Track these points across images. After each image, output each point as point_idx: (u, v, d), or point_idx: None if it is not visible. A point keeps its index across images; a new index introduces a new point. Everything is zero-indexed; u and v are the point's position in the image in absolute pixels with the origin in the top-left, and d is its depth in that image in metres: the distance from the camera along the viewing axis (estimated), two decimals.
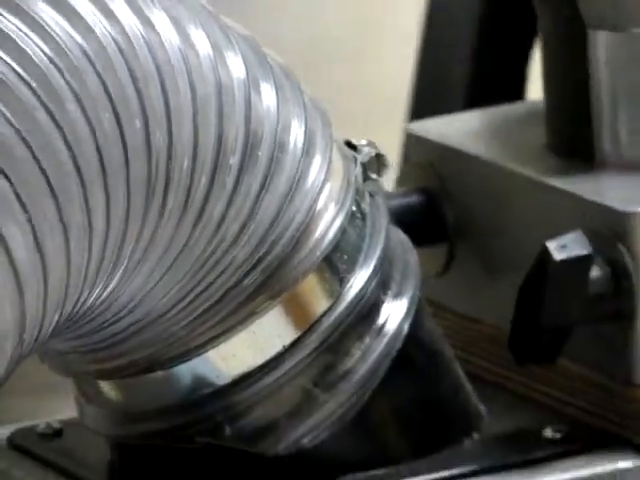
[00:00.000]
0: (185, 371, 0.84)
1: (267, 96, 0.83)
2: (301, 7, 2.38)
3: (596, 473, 0.84)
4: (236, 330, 0.82)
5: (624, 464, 0.84)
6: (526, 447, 0.85)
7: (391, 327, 0.83)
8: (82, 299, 0.80)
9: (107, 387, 0.86)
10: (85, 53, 0.77)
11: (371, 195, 0.85)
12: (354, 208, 0.83)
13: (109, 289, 0.81)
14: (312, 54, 2.22)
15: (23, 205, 0.75)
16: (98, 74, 0.77)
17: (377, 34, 2.29)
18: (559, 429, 0.84)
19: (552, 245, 0.83)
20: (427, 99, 1.29)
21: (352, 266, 0.83)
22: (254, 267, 0.80)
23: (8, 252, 0.75)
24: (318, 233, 0.81)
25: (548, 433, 0.84)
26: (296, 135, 0.83)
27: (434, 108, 1.27)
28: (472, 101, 1.25)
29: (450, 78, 1.32)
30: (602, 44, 0.92)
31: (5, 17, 0.76)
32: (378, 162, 0.87)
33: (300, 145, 0.83)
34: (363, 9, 2.46)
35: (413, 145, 1.00)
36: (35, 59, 0.75)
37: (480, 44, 1.35)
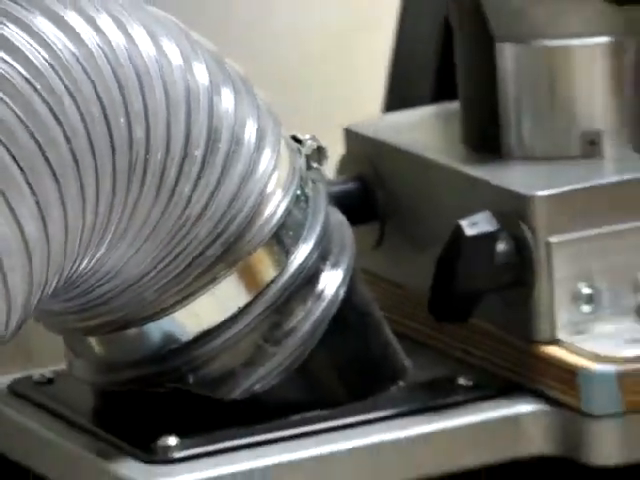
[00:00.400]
0: (155, 329, 0.89)
1: (226, 99, 0.89)
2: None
3: (501, 415, 0.88)
4: (199, 294, 0.87)
5: (525, 408, 0.89)
6: (443, 393, 0.89)
7: (329, 292, 0.89)
8: (75, 266, 0.86)
9: (91, 342, 0.92)
10: (77, 59, 0.83)
11: (313, 181, 0.90)
12: (298, 192, 0.89)
13: (96, 258, 0.86)
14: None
15: (30, 185, 0.81)
16: (89, 77, 0.83)
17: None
18: (470, 378, 0.89)
19: (464, 223, 0.87)
20: (399, 98, 1.36)
21: (296, 241, 0.88)
22: (214, 241, 0.86)
23: (20, 227, 0.81)
24: (267, 213, 0.87)
25: (461, 381, 0.88)
26: (250, 132, 0.89)
27: (405, 105, 1.35)
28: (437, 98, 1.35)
29: (418, 78, 1.38)
30: (507, 55, 0.96)
31: (9, 27, 0.82)
32: (319, 154, 0.92)
33: (253, 140, 0.89)
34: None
35: (352, 139, 1.04)
36: (35, 62, 0.81)
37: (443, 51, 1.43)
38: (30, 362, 1.12)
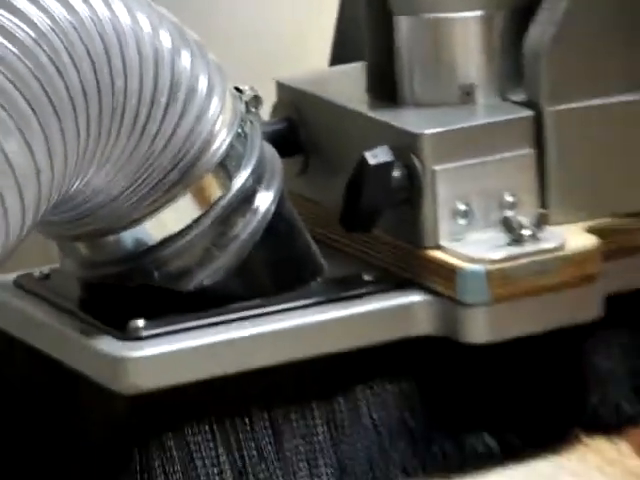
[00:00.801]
0: (129, 235, 0.99)
1: (184, 59, 0.99)
2: None
3: (397, 303, 0.97)
4: (162, 208, 0.98)
5: (415, 298, 0.98)
6: (351, 286, 0.99)
7: (263, 208, 0.99)
8: (70, 186, 0.96)
9: (79, 246, 1.03)
10: (73, 26, 0.94)
11: (251, 122, 1.00)
12: (239, 130, 0.99)
13: (85, 180, 0.96)
14: None
15: (40, 124, 0.92)
16: (81, 40, 0.94)
17: None
18: (373, 275, 0.99)
19: (368, 155, 0.97)
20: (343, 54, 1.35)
21: (237, 168, 0.98)
22: (174, 168, 0.96)
23: (33, 157, 0.93)
24: (215, 147, 0.97)
25: (366, 277, 0.98)
26: (202, 84, 0.99)
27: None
28: None
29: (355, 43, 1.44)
30: (403, 25, 1.06)
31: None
32: (256, 101, 1.03)
33: (205, 91, 0.99)
34: None
35: (282, 90, 1.13)
36: (40, 27, 0.92)
37: None
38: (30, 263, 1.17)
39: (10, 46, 0.91)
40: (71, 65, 0.93)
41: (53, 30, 0.94)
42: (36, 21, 0.93)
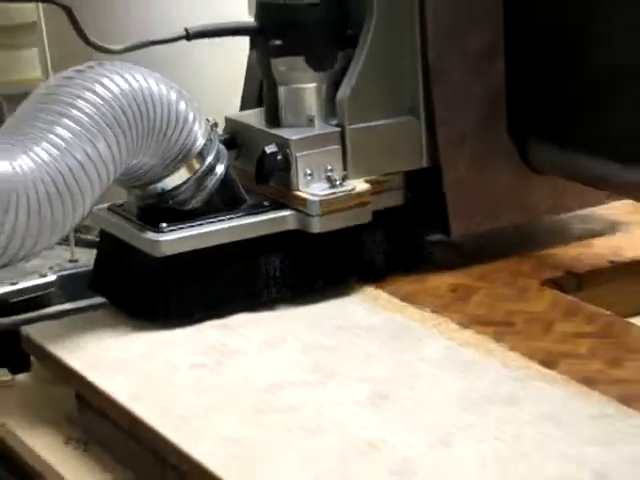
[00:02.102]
0: (159, 185, 1.29)
1: (182, 103, 1.24)
2: None
3: (281, 214, 1.29)
4: (173, 173, 1.27)
5: (289, 212, 1.29)
6: (259, 207, 1.30)
7: (219, 172, 1.30)
8: (127, 164, 1.21)
9: (135, 190, 1.31)
10: (122, 90, 1.21)
11: (213, 134, 1.31)
12: (208, 137, 1.29)
13: (134, 162, 1.22)
14: None
15: (115, 136, 1.18)
16: (126, 97, 1.20)
17: None
18: (269, 202, 1.30)
19: (266, 148, 1.31)
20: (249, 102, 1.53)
21: (207, 154, 1.28)
22: (178, 155, 1.25)
23: (112, 153, 1.18)
24: (197, 144, 1.27)
25: (265, 203, 1.30)
26: (190, 116, 1.26)
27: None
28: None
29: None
30: (281, 90, 1.35)
31: (104, 78, 1.21)
32: (215, 125, 1.33)
33: (191, 118, 1.26)
34: None
35: (227, 120, 1.41)
36: (111, 87, 1.20)
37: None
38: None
39: (98, 99, 1.20)
40: (126, 107, 1.21)
41: (112, 93, 1.21)
42: (109, 86, 1.21)
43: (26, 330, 1.31)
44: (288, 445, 1.02)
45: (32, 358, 1.34)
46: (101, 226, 1.35)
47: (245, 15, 1.79)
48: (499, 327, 1.23)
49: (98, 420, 1.20)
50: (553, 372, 1.13)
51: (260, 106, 1.42)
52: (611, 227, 1.46)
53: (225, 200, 1.31)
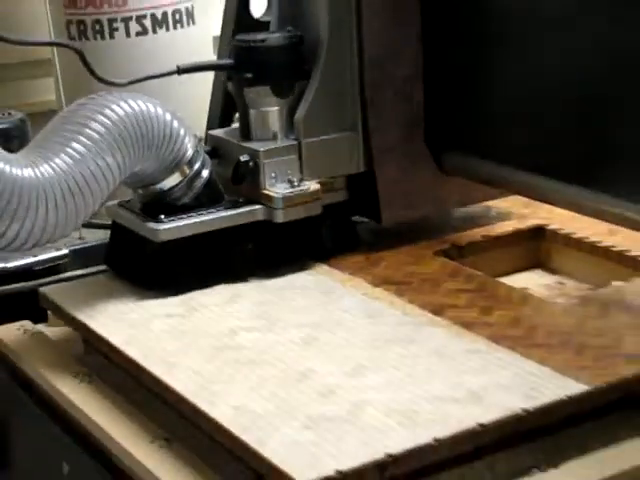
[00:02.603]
0: (158, 186, 1.32)
1: (175, 122, 1.29)
2: None
3: (253, 208, 1.33)
4: (168, 176, 1.30)
5: (258, 207, 1.33)
6: (233, 203, 1.33)
7: (205, 176, 1.34)
8: (131, 170, 1.24)
9: (139, 190, 1.33)
10: (127, 113, 1.24)
11: (199, 146, 1.35)
12: (195, 149, 1.33)
13: (136, 168, 1.24)
14: None
15: (121, 151, 1.21)
16: (129, 118, 1.23)
17: None
18: (243, 199, 1.34)
19: (240, 157, 1.35)
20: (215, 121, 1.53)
21: (195, 162, 1.32)
22: (172, 162, 1.28)
23: (117, 161, 1.20)
24: (188, 154, 1.31)
25: (240, 200, 1.33)
26: (182, 132, 1.30)
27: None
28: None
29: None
30: (251, 112, 1.37)
31: (108, 105, 1.23)
32: (201, 139, 1.39)
33: (182, 134, 1.29)
34: None
35: (210, 136, 1.45)
36: (117, 110, 1.23)
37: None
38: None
39: (107, 121, 1.23)
40: (129, 127, 1.24)
41: (123, 114, 1.24)
42: (117, 110, 1.24)
43: (43, 290, 1.37)
44: (240, 375, 1.11)
45: (48, 312, 1.40)
46: (113, 218, 1.41)
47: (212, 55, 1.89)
48: (400, 285, 1.31)
49: (100, 359, 1.27)
50: (440, 318, 1.21)
51: (222, 123, 1.48)
52: (501, 215, 1.51)
53: (209, 197, 1.36)
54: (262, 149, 1.35)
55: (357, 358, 1.13)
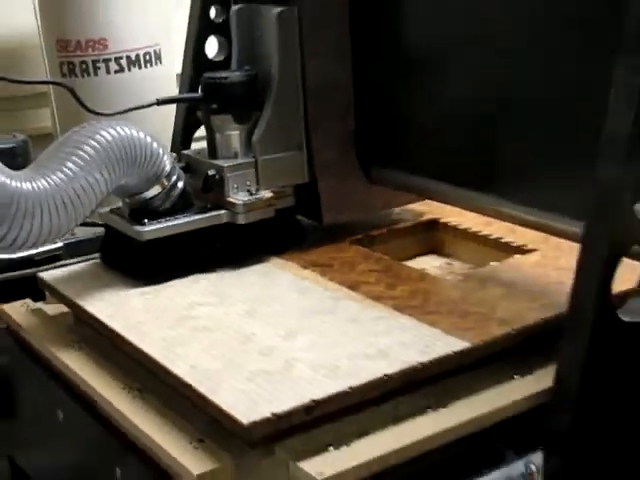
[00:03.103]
0: (142, 196, 1.36)
1: (155, 143, 1.32)
2: None
3: (219, 213, 1.37)
4: (150, 188, 1.35)
5: (223, 211, 1.37)
6: (201, 208, 1.38)
7: (180, 186, 1.39)
8: (117, 184, 1.27)
9: (125, 198, 1.37)
10: (113, 138, 1.26)
11: (175, 163, 1.40)
12: (172, 165, 1.37)
13: (121, 182, 1.27)
14: None
15: (107, 169, 1.22)
16: (115, 143, 1.26)
17: None
18: (211, 205, 1.38)
19: (208, 171, 1.41)
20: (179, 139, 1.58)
21: (172, 175, 1.37)
22: (152, 177, 1.32)
23: (105, 178, 1.23)
24: (166, 169, 1.36)
25: (209, 206, 1.37)
26: (161, 151, 1.33)
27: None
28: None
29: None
30: (217, 137, 1.42)
31: (100, 132, 1.24)
32: (175, 157, 1.40)
33: (162, 152, 1.33)
34: None
35: (183, 155, 1.49)
36: (106, 135, 1.25)
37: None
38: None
39: (97, 144, 1.24)
40: (115, 149, 1.26)
41: (107, 140, 1.26)
42: (105, 135, 1.26)
43: (41, 275, 1.43)
44: (196, 340, 1.18)
45: (46, 293, 1.46)
46: (106, 222, 1.47)
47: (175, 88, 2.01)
48: (324, 267, 1.39)
49: (87, 330, 1.32)
50: (355, 293, 1.28)
51: (183, 142, 1.57)
52: (415, 215, 1.59)
53: (183, 204, 1.43)
54: (226, 165, 1.43)
55: (290, 325, 1.20)
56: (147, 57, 2.25)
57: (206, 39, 1.55)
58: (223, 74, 1.43)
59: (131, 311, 1.27)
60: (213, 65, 1.54)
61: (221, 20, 1.55)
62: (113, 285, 1.36)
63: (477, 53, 1.23)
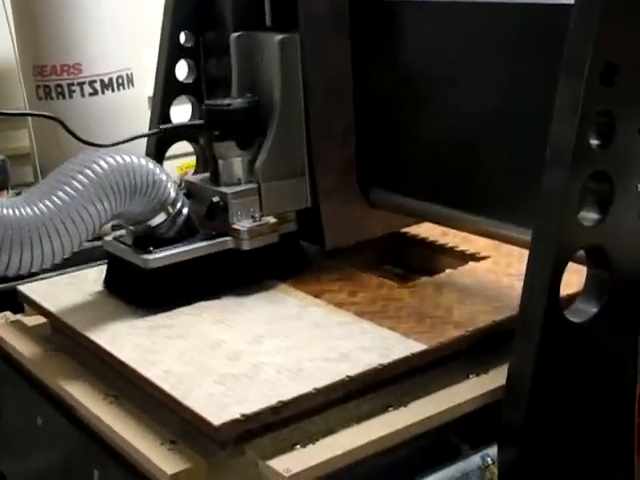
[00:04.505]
0: (146, 224, 1.36)
1: (157, 170, 1.35)
2: None
3: (224, 239, 1.39)
4: (155, 216, 1.35)
5: (229, 238, 1.40)
6: (206, 234, 1.40)
7: (184, 213, 1.40)
8: (119, 211, 1.28)
9: (129, 226, 1.38)
10: (112, 167, 1.27)
11: (179, 190, 1.42)
12: (177, 192, 1.39)
13: (124, 209, 1.27)
14: None
15: (108, 198, 1.25)
16: (114, 171, 1.27)
17: None
18: (218, 231, 1.40)
19: (213, 198, 1.41)
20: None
21: (177, 202, 1.39)
22: (157, 205, 1.34)
23: (104, 206, 1.24)
24: (171, 196, 1.38)
25: (214, 233, 1.41)
26: (165, 177, 1.36)
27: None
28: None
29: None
30: (220, 163, 1.52)
31: (98, 162, 1.26)
32: (179, 184, 1.45)
33: (164, 180, 1.36)
34: None
35: (187, 182, 1.49)
36: (104, 165, 1.26)
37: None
38: None
39: (92, 174, 1.26)
40: (112, 179, 1.28)
41: (104, 169, 1.27)
42: (104, 165, 1.28)
43: (20, 288, 1.50)
44: (170, 346, 1.25)
45: (25, 305, 1.52)
46: (110, 250, 1.50)
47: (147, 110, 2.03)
48: (292, 278, 1.46)
49: (64, 339, 1.37)
50: (319, 300, 1.36)
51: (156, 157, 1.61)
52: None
53: (188, 232, 1.45)
54: (230, 192, 1.49)
55: (257, 331, 1.29)
56: (120, 80, 2.35)
57: (176, 63, 1.65)
58: (225, 101, 1.49)
59: (105, 322, 1.32)
60: (183, 87, 1.65)
61: (190, 44, 1.66)
62: (88, 294, 1.44)
63: (452, 94, 1.33)
